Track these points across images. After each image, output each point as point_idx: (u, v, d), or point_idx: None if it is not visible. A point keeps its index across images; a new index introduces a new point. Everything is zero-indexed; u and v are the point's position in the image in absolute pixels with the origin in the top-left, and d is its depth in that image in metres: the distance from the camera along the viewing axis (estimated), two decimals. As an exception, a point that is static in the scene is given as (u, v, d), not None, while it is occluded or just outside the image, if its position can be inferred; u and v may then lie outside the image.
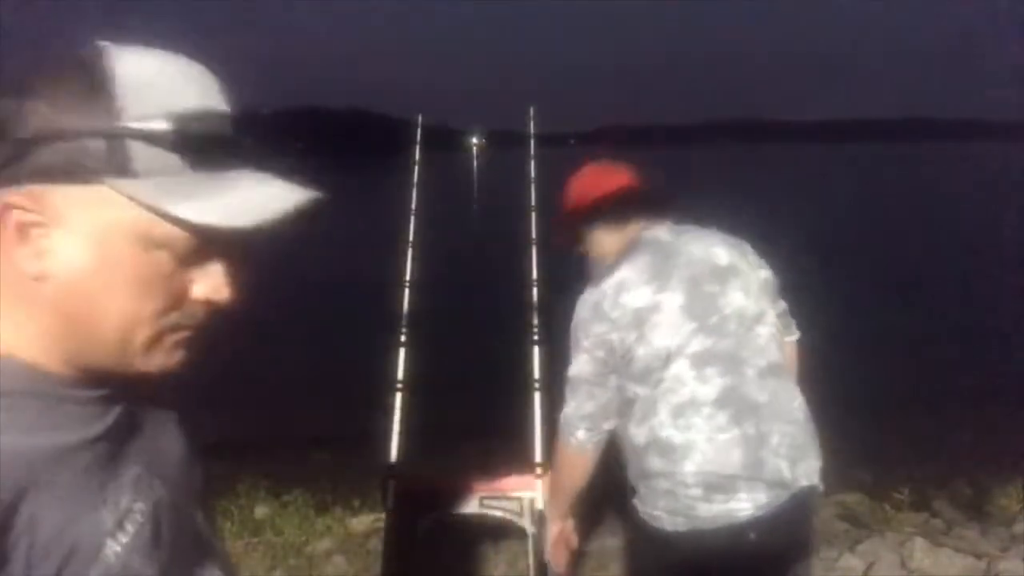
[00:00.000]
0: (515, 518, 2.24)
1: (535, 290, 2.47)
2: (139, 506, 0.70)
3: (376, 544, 3.37)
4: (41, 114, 0.60)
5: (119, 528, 0.67)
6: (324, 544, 3.55)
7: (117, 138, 0.60)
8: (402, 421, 2.32)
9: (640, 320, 1.77)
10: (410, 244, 2.59)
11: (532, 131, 2.76)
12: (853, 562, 3.24)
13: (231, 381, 5.21)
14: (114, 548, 0.66)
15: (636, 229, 1.91)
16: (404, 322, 2.49)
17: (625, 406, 1.82)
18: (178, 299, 0.66)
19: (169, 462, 0.78)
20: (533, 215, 2.55)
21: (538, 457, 2.25)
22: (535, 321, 2.41)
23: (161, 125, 0.61)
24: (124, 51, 0.62)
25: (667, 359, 1.76)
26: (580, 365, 1.84)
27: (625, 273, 1.81)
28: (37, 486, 0.61)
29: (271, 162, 0.69)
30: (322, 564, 3.39)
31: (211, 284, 0.66)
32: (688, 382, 1.75)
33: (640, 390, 1.78)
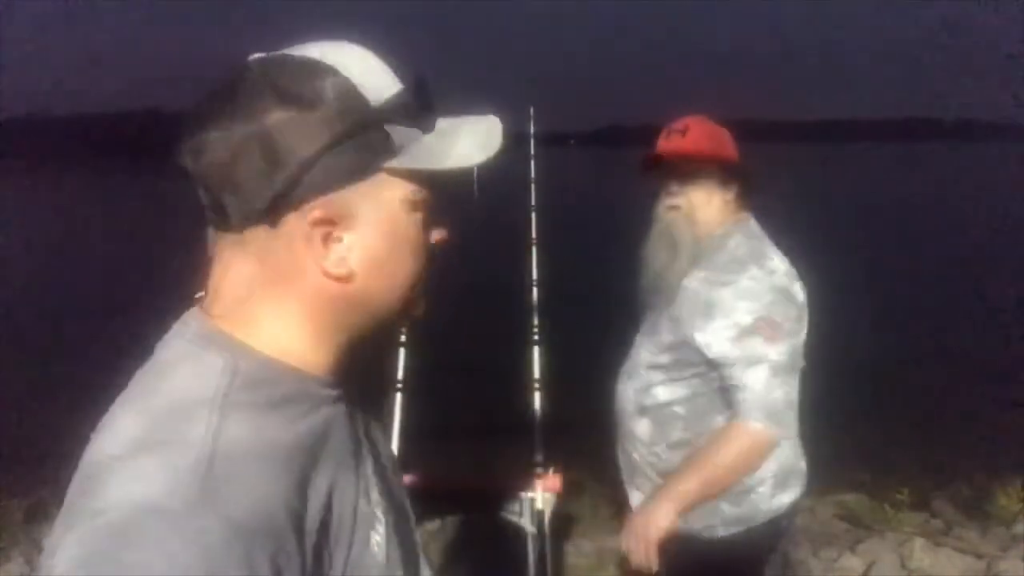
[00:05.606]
0: (515, 518, 2.23)
1: (535, 290, 2.47)
2: (383, 503, 0.73)
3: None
4: (309, 128, 0.62)
5: (377, 519, 0.71)
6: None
7: (378, 125, 0.65)
8: (401, 421, 2.31)
9: (805, 315, 1.72)
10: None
11: (532, 131, 2.76)
12: (853, 562, 3.25)
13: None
14: (376, 538, 0.70)
15: (742, 208, 1.83)
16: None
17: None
18: (431, 248, 0.73)
19: (386, 466, 0.80)
20: (533, 215, 2.54)
21: (538, 457, 2.24)
22: (535, 321, 2.41)
23: (399, 103, 0.66)
24: (325, 50, 0.65)
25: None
26: (790, 352, 1.65)
27: (781, 261, 1.73)
28: (320, 474, 0.64)
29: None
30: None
31: (438, 229, 0.74)
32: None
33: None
